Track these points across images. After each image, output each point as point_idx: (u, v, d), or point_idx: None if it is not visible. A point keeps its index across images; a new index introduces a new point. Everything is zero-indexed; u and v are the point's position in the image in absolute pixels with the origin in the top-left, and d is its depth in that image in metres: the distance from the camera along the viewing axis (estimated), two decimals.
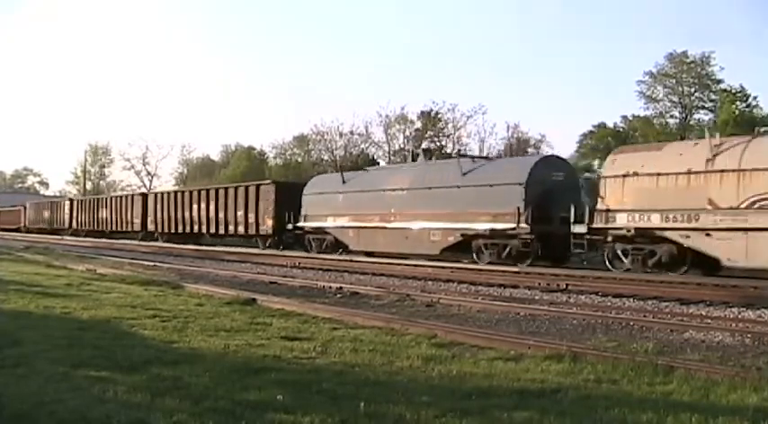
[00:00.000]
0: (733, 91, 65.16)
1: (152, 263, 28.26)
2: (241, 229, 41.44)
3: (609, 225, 22.43)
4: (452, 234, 27.34)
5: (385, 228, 30.60)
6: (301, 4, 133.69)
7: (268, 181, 42.18)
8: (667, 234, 21.30)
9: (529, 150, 69.40)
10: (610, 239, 22.78)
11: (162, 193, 54.61)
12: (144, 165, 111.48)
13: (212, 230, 44.54)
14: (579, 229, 23.12)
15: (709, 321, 13.80)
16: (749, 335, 11.94)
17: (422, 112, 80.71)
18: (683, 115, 70.03)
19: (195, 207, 46.24)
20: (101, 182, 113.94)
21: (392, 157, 73.12)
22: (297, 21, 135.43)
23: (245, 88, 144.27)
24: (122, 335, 10.58)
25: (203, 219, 45.15)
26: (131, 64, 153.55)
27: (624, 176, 22.37)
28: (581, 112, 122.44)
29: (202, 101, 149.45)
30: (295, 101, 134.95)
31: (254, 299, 15.16)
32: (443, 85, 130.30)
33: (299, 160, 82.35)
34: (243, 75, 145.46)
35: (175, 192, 52.54)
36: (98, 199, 65.10)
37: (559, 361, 8.76)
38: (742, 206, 19.64)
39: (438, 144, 78.13)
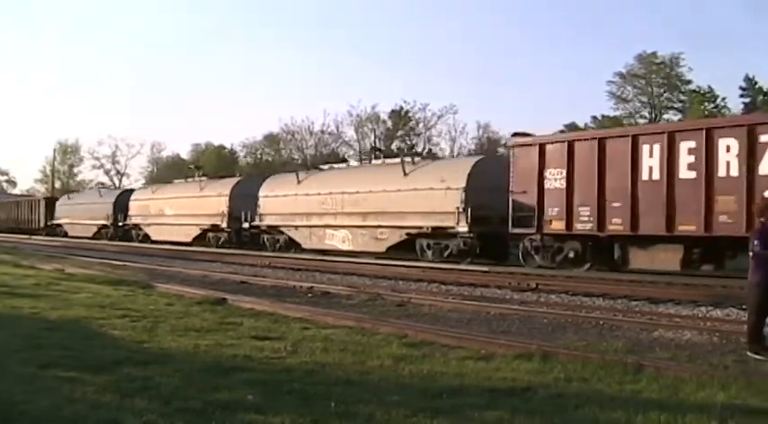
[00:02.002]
0: (702, 91, 65.81)
1: (122, 263, 28.06)
2: (35, 225, 66.93)
3: None
4: (102, 223, 55.46)
5: (84, 224, 57.05)
6: (271, 2, 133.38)
7: (42, 197, 76.55)
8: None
9: (499, 150, 69.68)
10: None
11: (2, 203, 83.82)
12: (114, 164, 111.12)
13: (24, 226, 68.62)
14: None
15: (678, 319, 13.88)
16: (717, 333, 12.04)
17: (393, 111, 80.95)
18: (653, 115, 70.73)
19: (17, 210, 73.88)
20: (70, 181, 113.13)
21: (363, 156, 73.27)
22: (268, 18, 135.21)
23: (216, 86, 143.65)
24: (92, 335, 10.52)
25: (21, 218, 71.73)
26: (100, 61, 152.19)
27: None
28: (552, 112, 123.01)
29: (173, 99, 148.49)
30: (266, 100, 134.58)
31: (224, 299, 15.09)
32: (415, 85, 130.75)
33: (270, 159, 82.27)
34: (214, 72, 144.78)
35: (9, 203, 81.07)
36: None
37: (530, 360, 8.78)
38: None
39: (409, 143, 78.40)
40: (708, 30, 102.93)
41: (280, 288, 19.43)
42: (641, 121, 69.76)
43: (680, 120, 64.18)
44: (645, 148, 22.19)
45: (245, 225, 38.36)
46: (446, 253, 28.61)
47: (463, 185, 28.12)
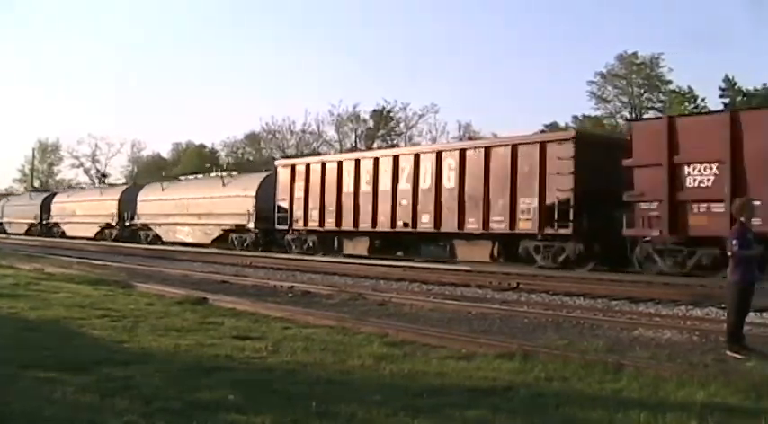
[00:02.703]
0: (682, 92, 66.12)
1: (101, 262, 27.93)
2: None
3: None
4: (32, 221, 64.30)
5: (18, 222, 66.94)
6: (253, 2, 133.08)
7: None
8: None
9: None
10: None
11: None
12: (94, 163, 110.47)
13: None
14: None
15: (659, 319, 13.95)
16: (697, 332, 12.11)
17: (374, 111, 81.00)
18: (633, 115, 70.89)
19: None
20: (49, 180, 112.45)
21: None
22: (250, 18, 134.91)
23: (198, 86, 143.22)
24: (71, 335, 10.47)
25: None
26: (82, 60, 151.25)
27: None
28: (532, 112, 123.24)
29: (154, 98, 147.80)
30: (247, 99, 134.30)
31: (205, 298, 15.04)
32: (396, 84, 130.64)
33: (251, 158, 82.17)
34: (195, 72, 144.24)
35: None
36: None
37: (510, 359, 8.79)
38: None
39: (390, 142, 78.41)
40: (703, 30, 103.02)
41: (260, 288, 19.41)
42: (621, 122, 69.99)
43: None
44: (345, 169, 32.62)
45: (127, 223, 50.33)
46: (245, 244, 39.00)
47: (254, 193, 38.63)
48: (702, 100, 64.72)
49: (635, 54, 72.72)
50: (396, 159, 30.27)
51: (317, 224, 33.31)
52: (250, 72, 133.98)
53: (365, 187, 31.08)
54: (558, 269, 23.64)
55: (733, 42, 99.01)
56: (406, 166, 29.47)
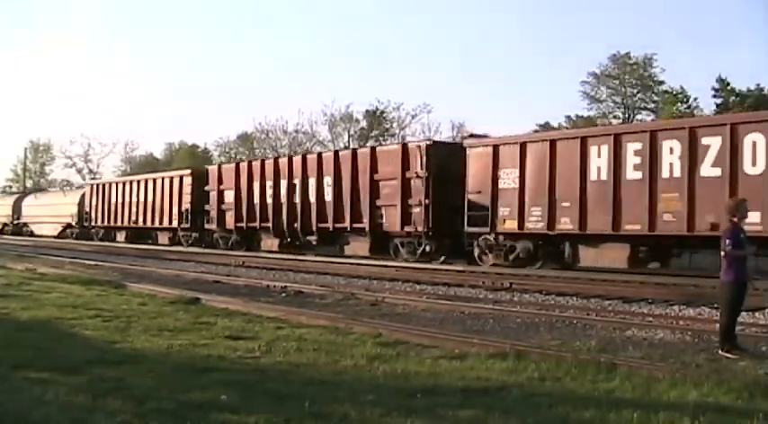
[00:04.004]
0: (674, 92, 66.21)
1: (94, 262, 27.88)
2: None
3: None
4: None
5: None
6: (244, 2, 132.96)
7: None
8: None
9: None
10: None
11: None
12: (86, 163, 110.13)
13: None
14: None
15: (651, 318, 13.95)
16: (689, 332, 12.12)
17: (367, 111, 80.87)
18: (626, 115, 71.01)
19: None
20: (41, 180, 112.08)
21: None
22: (242, 18, 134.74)
23: (191, 85, 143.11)
24: (63, 335, 10.46)
25: None
26: (73, 60, 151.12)
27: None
28: (526, 112, 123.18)
29: (147, 98, 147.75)
30: (240, 99, 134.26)
31: (197, 298, 15.04)
32: (389, 84, 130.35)
33: (243, 159, 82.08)
34: (188, 71, 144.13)
35: None
36: None
37: (504, 359, 8.79)
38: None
39: (382, 143, 78.26)
40: (697, 30, 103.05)
41: (253, 288, 19.38)
42: (615, 121, 69.97)
43: (652, 120, 64.57)
44: (114, 188, 50.06)
45: (15, 222, 66.92)
46: (73, 235, 55.02)
47: (77, 202, 55.40)
48: (695, 100, 64.90)
49: (628, 54, 72.80)
50: (131, 183, 48.01)
51: (101, 222, 50.76)
52: (243, 72, 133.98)
53: (121, 199, 48.39)
54: (193, 246, 39.93)
55: (727, 42, 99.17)
56: (135, 187, 46.89)
